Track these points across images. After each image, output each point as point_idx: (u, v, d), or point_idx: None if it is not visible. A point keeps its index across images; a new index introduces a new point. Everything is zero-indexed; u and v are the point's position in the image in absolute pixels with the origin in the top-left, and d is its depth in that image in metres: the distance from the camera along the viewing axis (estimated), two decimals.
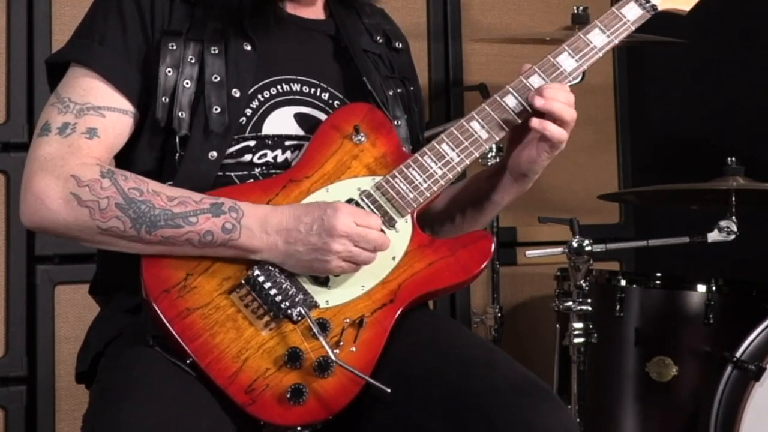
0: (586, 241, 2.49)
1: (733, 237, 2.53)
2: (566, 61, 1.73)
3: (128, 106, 1.63)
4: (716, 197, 2.73)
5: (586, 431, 2.58)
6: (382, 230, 1.61)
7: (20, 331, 2.72)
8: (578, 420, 2.56)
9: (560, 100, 1.65)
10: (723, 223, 2.53)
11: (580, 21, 2.84)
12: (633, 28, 1.77)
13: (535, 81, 1.71)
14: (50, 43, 2.75)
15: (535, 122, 1.65)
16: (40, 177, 1.52)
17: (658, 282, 2.71)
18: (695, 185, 2.70)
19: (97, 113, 1.59)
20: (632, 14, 1.77)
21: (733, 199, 2.59)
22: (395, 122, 1.78)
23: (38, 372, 2.73)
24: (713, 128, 3.45)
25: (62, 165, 1.52)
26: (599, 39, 1.75)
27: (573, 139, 3.71)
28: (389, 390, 1.50)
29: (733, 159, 2.66)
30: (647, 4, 1.78)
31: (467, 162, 1.68)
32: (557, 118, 1.65)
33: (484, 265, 1.66)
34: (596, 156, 3.43)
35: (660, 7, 1.79)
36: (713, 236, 2.54)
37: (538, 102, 1.64)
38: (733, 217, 2.54)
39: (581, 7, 2.84)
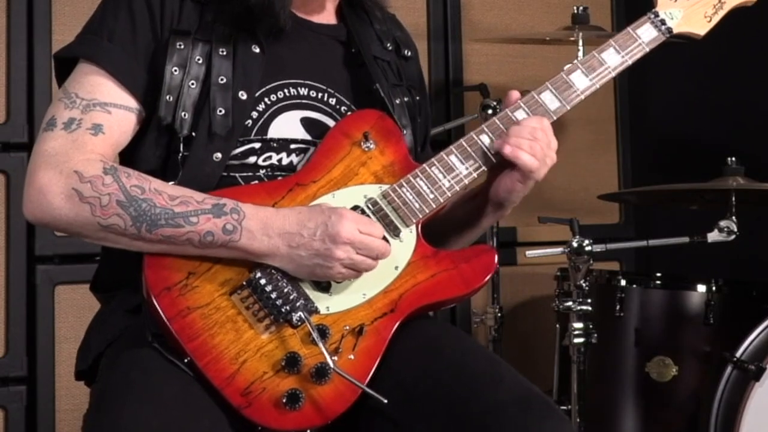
0: (586, 241, 2.50)
1: (733, 237, 2.53)
2: (579, 79, 1.73)
3: (134, 104, 1.63)
4: (716, 197, 2.73)
5: (586, 431, 2.58)
6: (385, 239, 1.61)
7: (20, 331, 2.72)
8: (578, 420, 2.56)
9: (522, 135, 1.65)
10: (723, 223, 2.53)
11: (580, 21, 2.84)
12: (648, 50, 1.77)
13: (547, 97, 1.71)
14: (50, 43, 2.75)
15: (507, 149, 1.66)
16: (43, 171, 1.52)
17: (658, 282, 2.71)
18: (695, 185, 2.70)
19: (103, 109, 1.59)
20: (647, 35, 1.77)
21: (733, 199, 2.59)
22: (402, 130, 1.77)
23: (38, 372, 2.73)
24: (713, 128, 3.45)
25: (66, 160, 1.52)
26: (614, 59, 1.75)
27: (573, 138, 3.73)
28: (386, 400, 1.50)
29: (733, 159, 2.66)
30: (663, 27, 1.78)
31: (475, 175, 1.68)
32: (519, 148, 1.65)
33: (486, 280, 1.66)
34: (596, 156, 3.43)
35: (675, 30, 1.80)
36: (713, 236, 2.54)
37: (496, 144, 1.66)
38: (733, 217, 2.55)
39: (581, 7, 2.84)
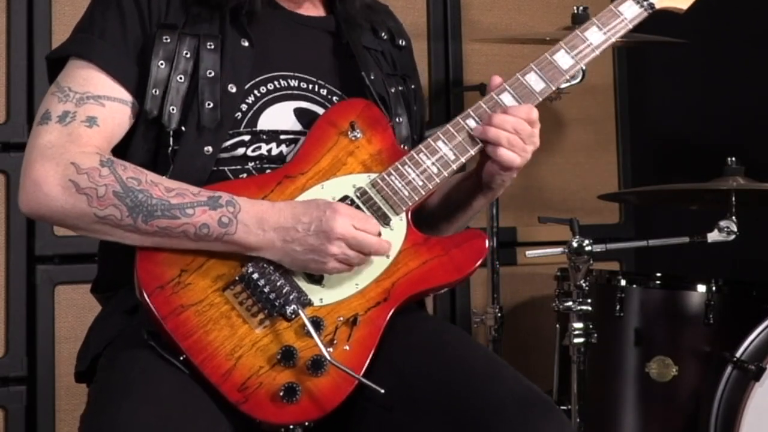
0: (586, 241, 2.49)
1: (733, 237, 2.53)
2: (563, 59, 1.73)
3: (128, 97, 1.63)
4: (716, 197, 2.73)
5: (586, 431, 2.58)
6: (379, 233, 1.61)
7: (20, 331, 2.72)
8: (578, 420, 2.56)
9: (504, 128, 1.65)
10: (723, 223, 2.53)
11: (580, 21, 2.82)
12: (631, 26, 1.77)
13: (532, 79, 1.71)
14: (50, 43, 2.75)
15: (488, 149, 1.66)
16: (40, 164, 1.53)
17: (658, 282, 2.71)
18: (695, 185, 2.70)
19: (96, 102, 1.60)
20: (630, 12, 1.77)
21: (733, 199, 2.59)
22: (397, 119, 1.78)
23: (38, 372, 2.73)
24: (713, 128, 3.45)
25: (62, 153, 1.53)
26: (596, 37, 1.75)
27: (573, 139, 3.73)
28: (383, 390, 1.50)
29: (733, 159, 2.66)
30: (645, 2, 1.78)
31: (463, 159, 1.68)
32: (498, 144, 1.65)
33: (477, 264, 1.65)
34: (596, 156, 3.43)
35: (657, 5, 1.80)
36: (713, 236, 2.54)
37: (476, 131, 1.66)
38: (733, 217, 2.55)
39: (581, 7, 2.84)
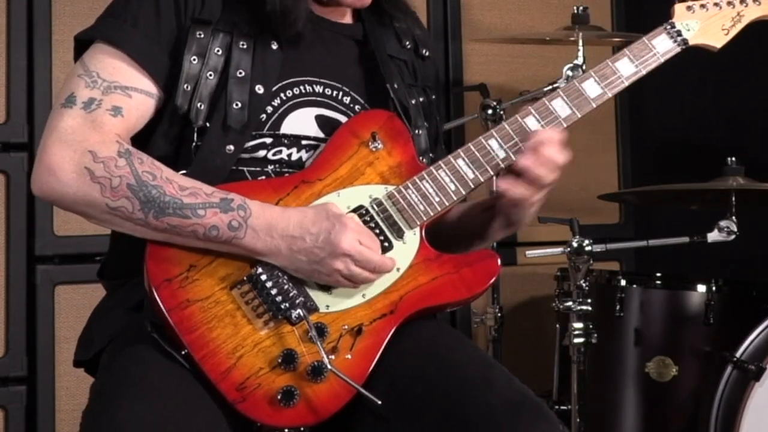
0: (586, 241, 2.50)
1: (733, 237, 2.54)
2: (591, 88, 1.71)
3: (154, 90, 1.63)
4: (716, 197, 2.74)
5: (586, 431, 2.58)
6: (385, 248, 1.60)
7: (20, 331, 2.72)
8: (578, 420, 2.56)
9: (555, 162, 1.64)
10: (723, 223, 2.54)
11: (580, 21, 2.84)
12: (662, 60, 1.76)
13: (558, 104, 1.69)
14: (50, 43, 2.76)
15: (501, 185, 1.64)
16: (58, 148, 1.52)
17: (658, 282, 2.72)
18: (695, 185, 2.70)
19: (123, 93, 1.59)
20: (663, 46, 1.76)
21: (733, 199, 2.59)
22: (416, 131, 1.77)
23: (38, 372, 2.73)
24: (713, 128, 3.45)
25: (82, 140, 1.53)
26: (627, 68, 1.74)
27: (573, 138, 3.72)
28: (380, 402, 1.50)
29: (733, 159, 2.66)
30: (679, 38, 1.77)
31: (482, 179, 1.67)
32: (537, 182, 1.64)
33: (488, 285, 1.64)
34: (596, 156, 3.43)
35: (691, 42, 1.79)
36: (713, 236, 2.54)
37: (521, 165, 1.63)
38: (733, 217, 2.55)
39: (581, 7, 2.84)
